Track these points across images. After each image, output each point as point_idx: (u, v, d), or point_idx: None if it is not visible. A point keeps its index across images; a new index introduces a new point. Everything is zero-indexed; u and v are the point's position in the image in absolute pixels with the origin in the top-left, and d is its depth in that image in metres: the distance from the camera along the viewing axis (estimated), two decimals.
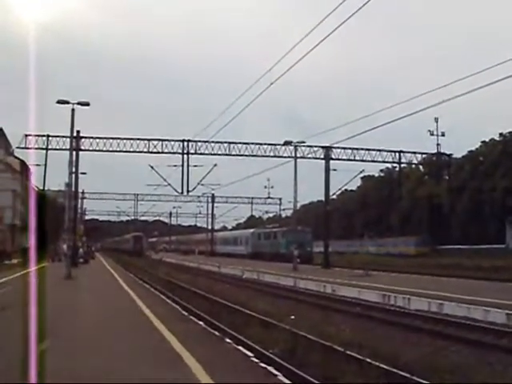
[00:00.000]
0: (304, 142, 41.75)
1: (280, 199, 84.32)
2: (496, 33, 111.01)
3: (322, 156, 45.34)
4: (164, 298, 18.34)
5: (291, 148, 44.49)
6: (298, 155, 41.16)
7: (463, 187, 59.49)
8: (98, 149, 49.34)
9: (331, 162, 44.15)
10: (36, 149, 48.20)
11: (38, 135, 48.26)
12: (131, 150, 50.03)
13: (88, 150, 48.31)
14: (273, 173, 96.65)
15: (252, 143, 51.17)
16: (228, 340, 10.05)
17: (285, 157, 47.86)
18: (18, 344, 7.85)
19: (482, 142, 62.41)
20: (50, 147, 49.12)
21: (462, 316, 14.04)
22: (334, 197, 60.56)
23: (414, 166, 68.32)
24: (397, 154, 55.15)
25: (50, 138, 48.94)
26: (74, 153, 33.30)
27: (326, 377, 7.73)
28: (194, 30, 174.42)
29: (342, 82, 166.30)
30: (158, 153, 50.47)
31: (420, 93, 24.14)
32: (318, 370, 8.02)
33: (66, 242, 31.30)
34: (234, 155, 51.08)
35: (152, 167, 51.69)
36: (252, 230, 67.24)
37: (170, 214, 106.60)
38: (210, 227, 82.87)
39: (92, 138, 48.69)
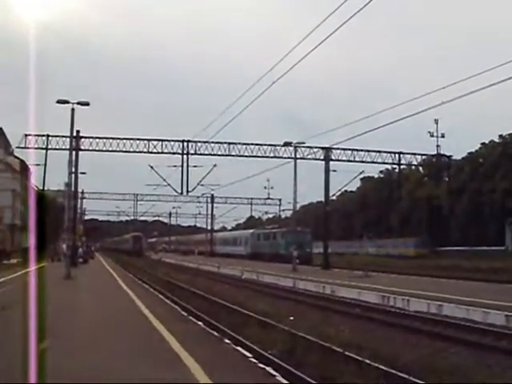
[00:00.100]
0: (304, 143, 41.80)
1: (280, 200, 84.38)
2: (496, 33, 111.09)
3: (322, 157, 45.36)
4: (163, 298, 18.35)
5: (291, 149, 44.55)
6: (298, 156, 41.23)
7: (463, 189, 59.55)
8: (97, 149, 49.37)
9: (331, 162, 44.19)
10: (36, 148, 48.24)
11: (38, 135, 48.29)
12: (131, 150, 50.06)
13: (88, 150, 48.34)
14: (272, 173, 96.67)
15: (252, 144, 51.23)
16: (227, 340, 10.05)
17: (284, 157, 47.92)
18: (18, 343, 7.85)
19: (482, 143, 62.54)
20: (49, 147, 49.15)
21: (461, 317, 14.03)
22: (334, 198, 60.59)
23: (413, 167, 68.46)
24: (396, 155, 55.21)
25: (50, 138, 48.97)
26: (74, 153, 33.30)
27: (324, 377, 7.73)
28: (194, 29, 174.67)
29: (342, 83, 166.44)
30: (158, 153, 50.52)
31: (421, 93, 24.22)
32: (317, 370, 8.02)
33: (66, 242, 31.30)
34: (233, 156, 51.13)
35: (152, 167, 51.76)
36: (251, 231, 67.24)
37: (170, 214, 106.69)
38: (209, 227, 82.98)
39: (92, 137, 48.72)
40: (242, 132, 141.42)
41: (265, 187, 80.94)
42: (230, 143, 50.56)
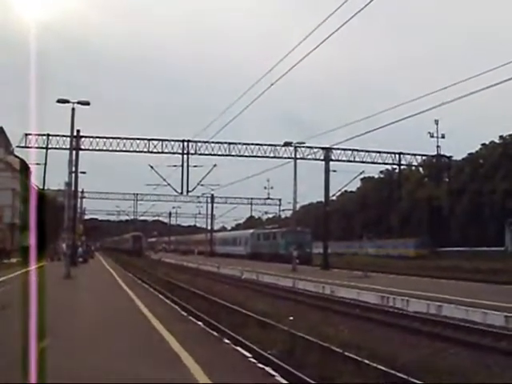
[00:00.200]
0: (304, 143, 41.84)
1: (279, 200, 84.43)
2: (497, 33, 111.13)
3: (322, 157, 45.38)
4: (163, 298, 18.35)
5: (291, 149, 44.59)
6: (298, 156, 41.25)
7: (463, 189, 59.58)
8: (97, 148, 49.42)
9: (331, 163, 44.18)
10: (36, 148, 48.27)
11: (38, 134, 48.30)
12: (131, 149, 50.12)
13: (88, 150, 48.40)
14: (272, 173, 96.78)
15: (252, 144, 51.28)
16: (226, 340, 10.06)
17: (284, 158, 47.97)
18: (18, 343, 7.86)
19: (482, 144, 62.59)
20: (49, 146, 49.21)
21: (461, 318, 14.04)
22: (334, 198, 60.61)
23: (413, 167, 68.48)
24: (397, 155, 55.27)
25: (50, 137, 49.02)
26: (74, 152, 33.31)
27: (323, 377, 7.74)
28: (194, 29, 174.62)
29: (343, 83, 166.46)
30: (158, 153, 50.57)
31: (421, 94, 24.21)
32: (316, 370, 8.04)
33: (66, 241, 31.31)
34: (233, 156, 51.20)
35: (152, 167, 51.78)
36: (251, 231, 67.24)
37: (170, 214, 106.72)
38: (209, 227, 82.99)
39: (92, 137, 48.78)
40: (242, 132, 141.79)
41: (265, 187, 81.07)
42: (230, 143, 50.63)
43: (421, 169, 72.36)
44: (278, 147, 49.44)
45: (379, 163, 55.69)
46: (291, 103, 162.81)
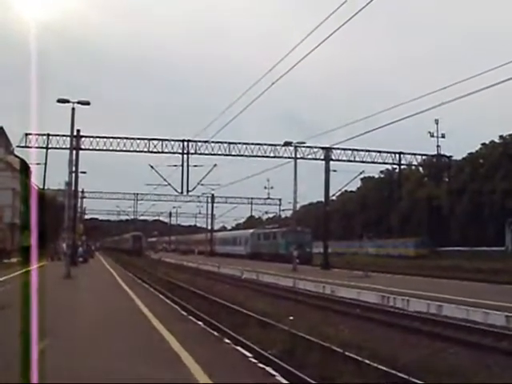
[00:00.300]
0: (304, 143, 41.83)
1: (280, 200, 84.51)
2: (497, 33, 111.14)
3: (322, 157, 45.41)
4: (163, 297, 18.35)
5: (291, 149, 44.61)
6: (298, 156, 41.24)
7: (463, 189, 59.56)
8: (98, 148, 49.43)
9: (331, 162, 44.20)
10: (36, 148, 48.30)
11: (39, 134, 48.38)
12: (131, 149, 50.17)
13: (88, 150, 48.44)
14: (272, 173, 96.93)
15: (252, 144, 51.32)
16: (227, 340, 10.05)
17: (285, 157, 47.99)
18: (18, 343, 7.85)
19: (482, 144, 62.53)
20: (50, 146, 49.30)
21: (461, 318, 14.03)
22: (334, 198, 60.68)
23: (413, 167, 68.49)
24: (397, 155, 55.30)
25: (51, 137, 49.08)
26: (74, 152, 33.30)
27: (324, 377, 7.73)
28: (194, 29, 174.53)
29: (343, 83, 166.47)
30: (158, 152, 50.61)
31: (421, 93, 24.20)
32: (316, 370, 8.03)
33: (66, 241, 31.31)
34: (233, 155, 51.22)
35: (152, 167, 51.79)
36: (251, 231, 67.23)
37: (170, 213, 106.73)
38: (209, 227, 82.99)
39: (92, 137, 48.82)
40: (242, 132, 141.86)
41: (265, 187, 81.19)
42: (230, 143, 50.66)
43: (421, 168, 72.39)
44: (278, 147, 49.52)
45: (379, 163, 55.77)
46: (291, 103, 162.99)
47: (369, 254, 61.11)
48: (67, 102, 28.28)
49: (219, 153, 50.81)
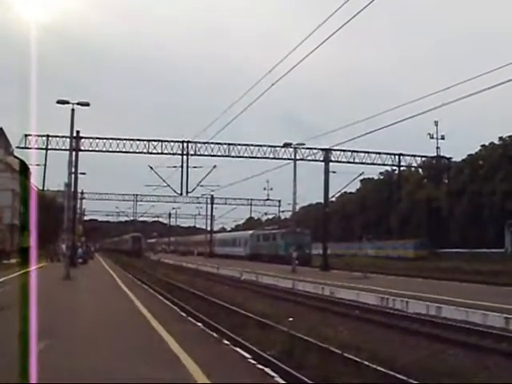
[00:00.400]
0: (303, 144, 41.82)
1: (279, 201, 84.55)
2: (498, 34, 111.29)
3: (322, 158, 45.39)
4: (162, 298, 18.34)
5: (291, 150, 44.55)
6: (298, 157, 41.21)
7: (462, 191, 59.54)
8: (97, 149, 49.41)
9: (331, 164, 44.16)
10: (36, 149, 48.26)
11: (38, 135, 48.35)
12: (131, 150, 50.11)
13: (88, 151, 48.38)
14: (272, 174, 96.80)
15: (251, 145, 51.26)
16: (226, 341, 10.05)
17: (284, 159, 47.92)
18: (17, 343, 7.86)
19: (482, 145, 62.51)
20: (49, 147, 49.25)
21: (461, 320, 14.04)
22: (334, 199, 60.74)
23: (413, 169, 68.42)
24: (396, 156, 55.23)
25: (50, 138, 49.04)
26: (74, 153, 33.28)
27: (322, 378, 7.73)
28: (194, 29, 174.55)
29: (343, 84, 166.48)
30: (158, 154, 50.56)
31: (421, 94, 24.24)
32: (315, 371, 8.03)
33: (65, 242, 31.29)
34: (233, 157, 51.18)
35: (151, 168, 51.73)
36: (251, 232, 67.23)
37: (169, 214, 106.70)
38: (208, 228, 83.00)
39: (92, 138, 48.77)
40: (242, 133, 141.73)
41: (264, 188, 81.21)
42: (229, 144, 50.64)
43: (420, 170, 72.34)
44: (277, 148, 49.45)
45: (379, 164, 55.68)
46: (291, 104, 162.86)
47: (368, 256, 61.05)
48: (67, 102, 28.30)
49: (219, 154, 50.81)
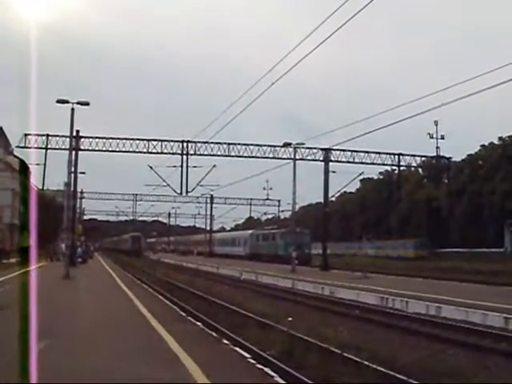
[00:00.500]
0: (303, 144, 41.79)
1: (279, 201, 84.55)
2: (498, 34, 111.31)
3: (322, 158, 45.38)
4: (162, 298, 18.33)
5: (290, 150, 44.54)
6: (298, 157, 41.20)
7: (462, 191, 59.54)
8: (97, 148, 49.38)
9: (330, 164, 44.13)
10: (35, 148, 48.24)
11: (38, 134, 48.32)
12: (131, 150, 50.08)
13: (87, 150, 48.34)
14: (272, 174, 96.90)
15: (251, 144, 51.24)
16: (225, 341, 10.04)
17: (284, 158, 47.91)
18: (17, 343, 7.84)
19: (482, 145, 62.53)
20: (49, 147, 49.22)
21: (460, 319, 14.03)
22: (333, 199, 60.69)
23: (413, 168, 68.44)
24: (396, 156, 55.22)
25: (50, 138, 49.01)
26: (74, 152, 33.26)
27: (322, 378, 7.73)
28: (194, 29, 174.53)
29: (342, 83, 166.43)
30: (158, 153, 50.54)
31: (421, 94, 24.25)
32: (315, 371, 8.02)
33: (65, 242, 31.27)
34: (233, 156, 51.17)
35: (151, 167, 51.71)
36: (250, 232, 67.22)
37: (169, 214, 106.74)
38: (208, 228, 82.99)
39: (91, 137, 48.74)
40: (242, 133, 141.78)
41: (264, 188, 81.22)
42: (229, 144, 50.62)
43: (420, 170, 72.36)
44: (277, 148, 49.44)
45: (379, 164, 55.67)
46: (291, 104, 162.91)
47: (368, 256, 61.06)
48: (66, 102, 28.28)
49: (218, 153, 50.80)
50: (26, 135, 47.63)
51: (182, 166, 50.01)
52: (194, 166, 51.20)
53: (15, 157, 55.59)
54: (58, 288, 19.88)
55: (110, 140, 49.66)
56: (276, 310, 15.22)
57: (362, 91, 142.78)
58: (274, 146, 49.89)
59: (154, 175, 52.45)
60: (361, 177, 52.96)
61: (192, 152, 50.32)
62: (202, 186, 55.48)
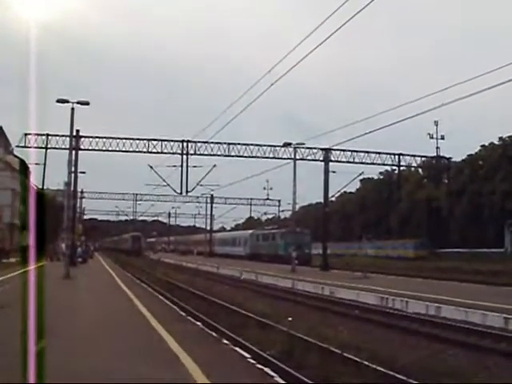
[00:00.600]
0: (303, 144, 41.79)
1: (279, 201, 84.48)
2: (498, 34, 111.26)
3: (322, 158, 45.35)
4: (162, 298, 18.33)
5: (290, 149, 44.52)
6: (298, 157, 41.19)
7: (462, 191, 59.52)
8: (97, 148, 49.36)
9: (330, 164, 44.13)
10: (35, 148, 48.19)
11: (38, 134, 48.21)
12: (131, 149, 50.05)
13: (87, 150, 48.30)
14: (272, 174, 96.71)
15: (251, 144, 51.18)
16: (225, 341, 10.04)
17: (284, 158, 47.88)
18: (17, 343, 7.84)
19: (482, 145, 62.50)
20: (49, 146, 49.10)
21: (460, 320, 14.04)
22: (333, 199, 60.68)
23: (413, 168, 68.41)
24: (396, 156, 55.18)
25: (50, 137, 48.92)
26: (74, 152, 33.26)
27: (322, 378, 7.73)
28: (194, 29, 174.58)
29: (342, 83, 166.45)
30: (158, 153, 50.49)
31: (421, 94, 24.27)
32: (315, 371, 8.02)
33: (65, 242, 31.27)
34: (233, 156, 51.10)
35: (151, 167, 51.68)
36: (251, 231, 67.21)
37: (169, 214, 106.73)
38: (208, 228, 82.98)
39: (91, 137, 48.69)
40: (242, 132, 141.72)
41: (264, 188, 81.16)
42: (229, 143, 50.58)
43: (420, 170, 72.32)
44: (277, 148, 49.38)
45: (379, 164, 55.60)
46: (291, 104, 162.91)
47: (368, 256, 61.06)
48: (66, 102, 28.27)
49: (219, 153, 50.75)
50: (25, 135, 47.56)
51: (182, 166, 50.00)
52: (194, 166, 51.21)
53: (15, 156, 55.60)
54: (58, 288, 19.86)
55: (110, 140, 49.64)
56: (276, 310, 15.22)
57: (362, 91, 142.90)
58: (274, 146, 49.88)
59: (154, 175, 52.48)
60: (361, 177, 53.01)
61: (192, 152, 50.29)
62: (202, 185, 55.49)
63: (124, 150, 49.96)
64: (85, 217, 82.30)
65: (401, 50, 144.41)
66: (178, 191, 51.82)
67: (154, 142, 50.11)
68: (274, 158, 49.89)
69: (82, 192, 64.09)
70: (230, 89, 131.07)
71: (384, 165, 57.32)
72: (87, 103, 28.82)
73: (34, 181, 53.75)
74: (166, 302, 17.13)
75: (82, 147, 44.95)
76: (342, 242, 74.00)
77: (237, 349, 9.33)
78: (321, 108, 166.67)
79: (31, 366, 6.51)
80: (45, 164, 49.75)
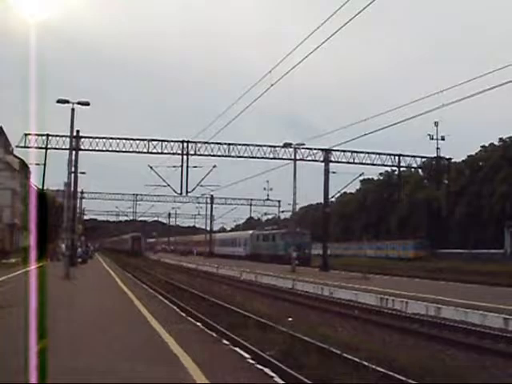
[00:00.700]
0: (303, 145, 41.85)
1: (279, 201, 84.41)
2: (499, 34, 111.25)
3: (322, 158, 45.34)
4: (162, 298, 18.35)
5: (291, 150, 44.50)
6: (298, 157, 41.24)
7: (462, 192, 59.58)
8: (97, 149, 49.35)
9: (331, 164, 44.14)
10: (36, 148, 48.19)
11: (38, 134, 48.18)
12: (131, 150, 50.02)
13: (87, 150, 48.27)
14: (272, 175, 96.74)
15: (251, 145, 51.10)
16: (225, 341, 10.06)
17: (284, 159, 47.82)
18: (17, 342, 7.85)
19: (482, 146, 62.55)
20: (49, 146, 49.06)
21: (459, 320, 14.05)
22: (333, 199, 60.68)
23: (413, 169, 68.39)
24: (396, 157, 55.13)
25: (50, 138, 48.87)
26: (74, 152, 33.29)
27: (322, 378, 7.74)
28: (194, 30, 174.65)
29: (342, 84, 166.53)
30: (158, 153, 50.45)
31: (421, 95, 24.29)
32: (315, 371, 8.03)
33: (65, 242, 31.27)
34: (233, 157, 51.04)
35: (151, 168, 51.68)
36: (251, 232, 67.23)
37: (169, 214, 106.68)
38: (208, 228, 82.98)
39: (92, 137, 48.66)
40: (242, 133, 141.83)
41: (264, 188, 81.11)
42: (229, 144, 50.55)
43: (420, 171, 72.30)
44: (277, 148, 49.30)
45: (379, 165, 55.46)
46: (291, 104, 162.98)
47: (368, 256, 61.11)
48: (67, 102, 28.29)
49: (219, 154, 50.71)
50: (26, 135, 47.52)
51: (182, 166, 49.94)
52: (194, 166, 51.15)
53: (15, 156, 55.61)
54: (58, 288, 19.82)
55: (110, 140, 49.59)
56: (276, 310, 15.25)
57: (361, 92, 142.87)
58: (274, 147, 49.81)
59: (154, 175, 52.43)
60: (361, 177, 53.03)
61: (192, 152, 50.24)
62: (202, 186, 55.43)
63: (124, 150, 49.94)
64: (85, 217, 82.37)
65: (401, 51, 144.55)
66: (178, 192, 51.80)
67: (154, 143, 50.08)
68: (274, 158, 49.84)
69: (82, 192, 64.16)
70: (230, 89, 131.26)
71: (384, 165, 57.23)
72: (87, 104, 28.84)
73: (34, 181, 53.87)
74: (165, 302, 17.14)
75: (82, 147, 44.98)
76: (341, 243, 74.02)
77: (236, 349, 9.34)
78: (321, 108, 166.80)
79: (31, 366, 6.51)
80: (45, 164, 49.73)
